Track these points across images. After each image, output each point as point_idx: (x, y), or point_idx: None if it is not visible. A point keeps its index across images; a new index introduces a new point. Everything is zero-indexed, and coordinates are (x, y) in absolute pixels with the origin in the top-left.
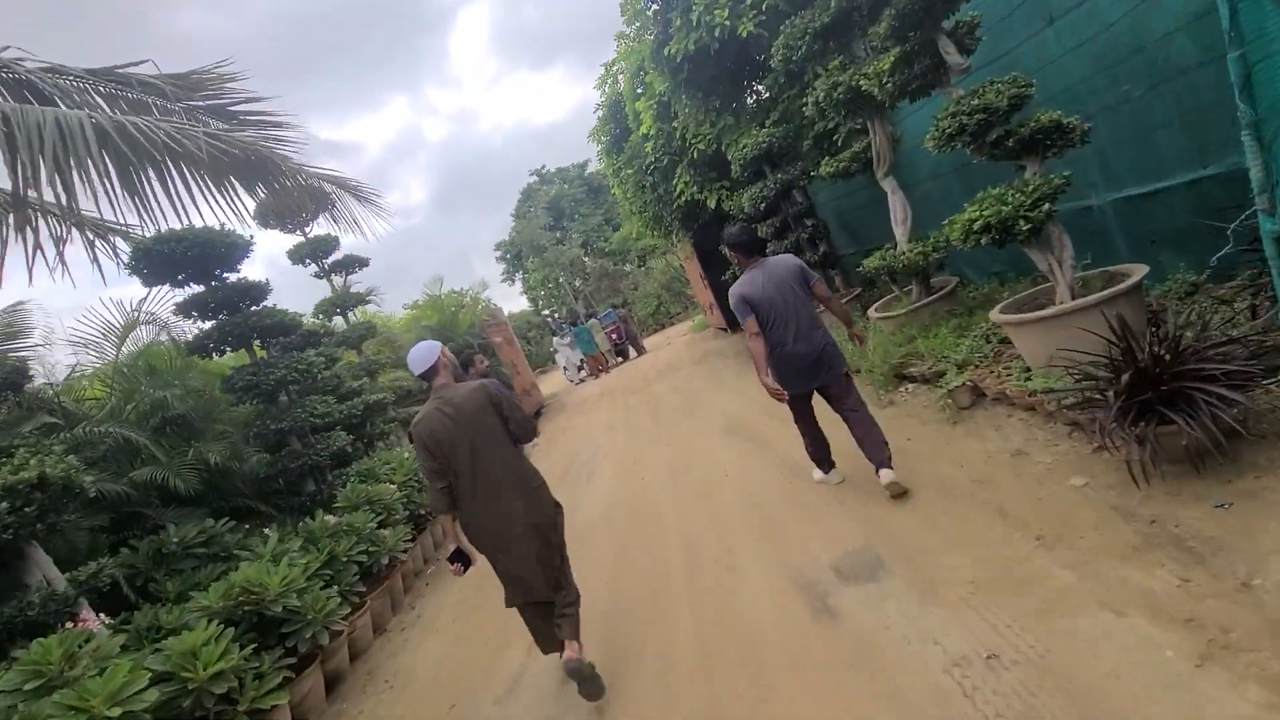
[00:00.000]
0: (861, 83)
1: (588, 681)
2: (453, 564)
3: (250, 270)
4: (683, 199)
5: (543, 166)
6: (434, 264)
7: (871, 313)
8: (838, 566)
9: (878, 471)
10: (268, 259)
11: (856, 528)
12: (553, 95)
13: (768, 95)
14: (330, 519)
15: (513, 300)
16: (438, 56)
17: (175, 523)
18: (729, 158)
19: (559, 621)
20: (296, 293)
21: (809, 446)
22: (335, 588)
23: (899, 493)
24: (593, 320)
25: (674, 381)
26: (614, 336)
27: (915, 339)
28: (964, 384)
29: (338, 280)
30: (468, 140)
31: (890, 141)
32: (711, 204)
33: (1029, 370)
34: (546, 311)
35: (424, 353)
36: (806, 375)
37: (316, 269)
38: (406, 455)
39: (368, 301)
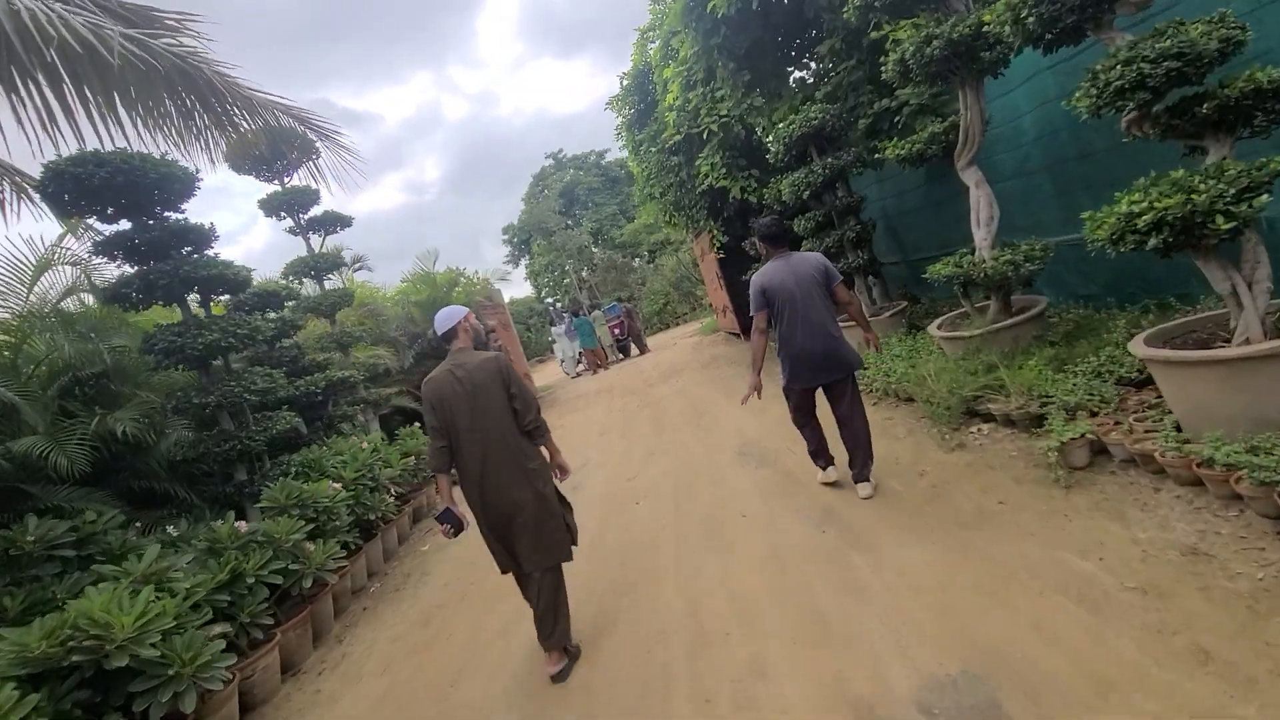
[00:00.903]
0: (984, 20)
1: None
2: (442, 524)
3: (254, 248)
4: (706, 183)
5: (559, 151)
6: (443, 242)
7: (934, 330)
8: (930, 709)
9: (855, 482)
10: (269, 245)
11: (951, 641)
12: (576, 86)
13: (814, 71)
14: (242, 526)
15: (516, 286)
16: (464, 35)
17: (63, 506)
18: (766, 141)
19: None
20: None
21: (810, 443)
22: (229, 623)
23: (869, 494)
24: (596, 313)
25: (679, 385)
26: (617, 332)
27: (995, 368)
28: (1082, 436)
29: (316, 240)
30: (487, 122)
31: (983, 120)
32: (735, 193)
33: (1180, 428)
34: (550, 299)
35: (448, 315)
36: (817, 371)
37: (292, 224)
38: (366, 446)
39: (357, 268)
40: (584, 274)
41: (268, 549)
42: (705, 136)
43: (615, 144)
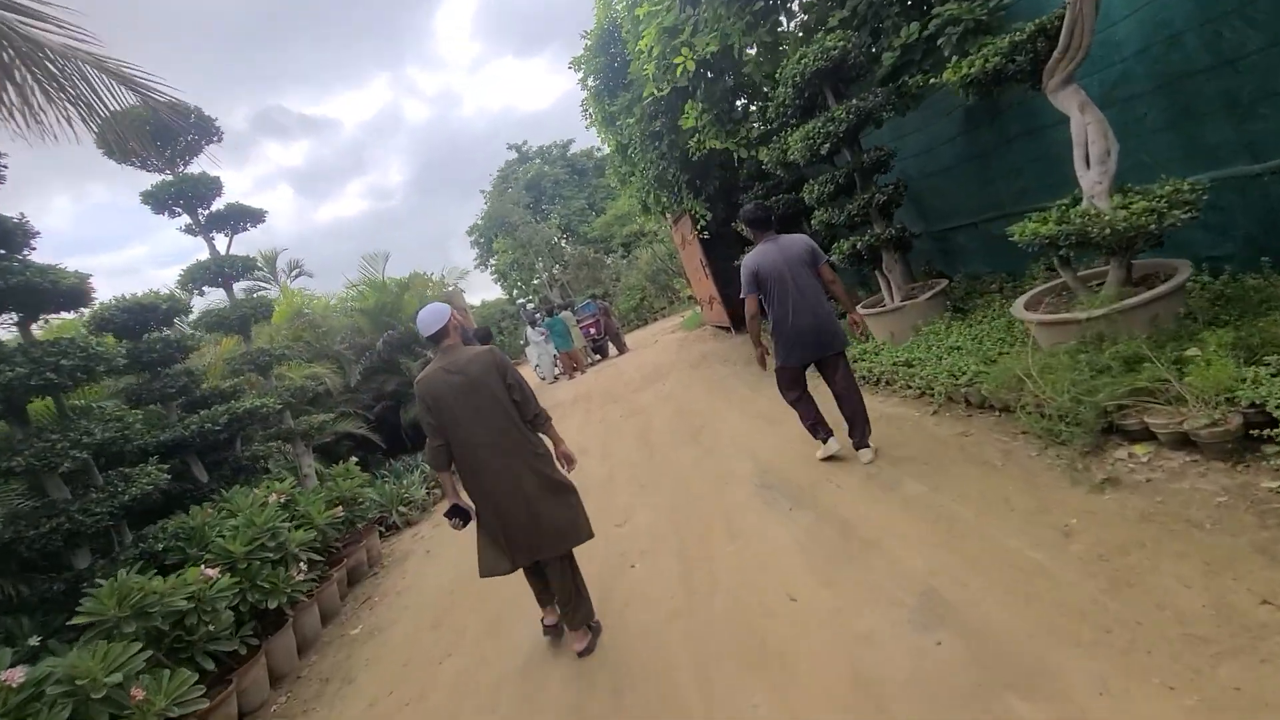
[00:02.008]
0: None
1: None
2: (451, 519)
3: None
4: (694, 146)
5: (524, 143)
6: (410, 247)
7: (1023, 312)
8: None
9: (857, 449)
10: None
11: None
12: (538, 84)
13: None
14: (15, 676)
15: (486, 288)
16: (422, 35)
17: None
18: (764, 90)
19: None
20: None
21: (806, 416)
22: None
23: (870, 459)
24: (567, 312)
25: (666, 389)
26: (592, 332)
27: (1144, 362)
28: None
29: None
30: (449, 124)
31: (1096, 7)
32: (733, 154)
33: None
34: (522, 300)
35: (433, 315)
36: (809, 347)
37: (190, 221)
38: (274, 500)
39: (296, 274)
40: (555, 271)
41: (63, 709)
42: (690, 89)
43: (582, 123)
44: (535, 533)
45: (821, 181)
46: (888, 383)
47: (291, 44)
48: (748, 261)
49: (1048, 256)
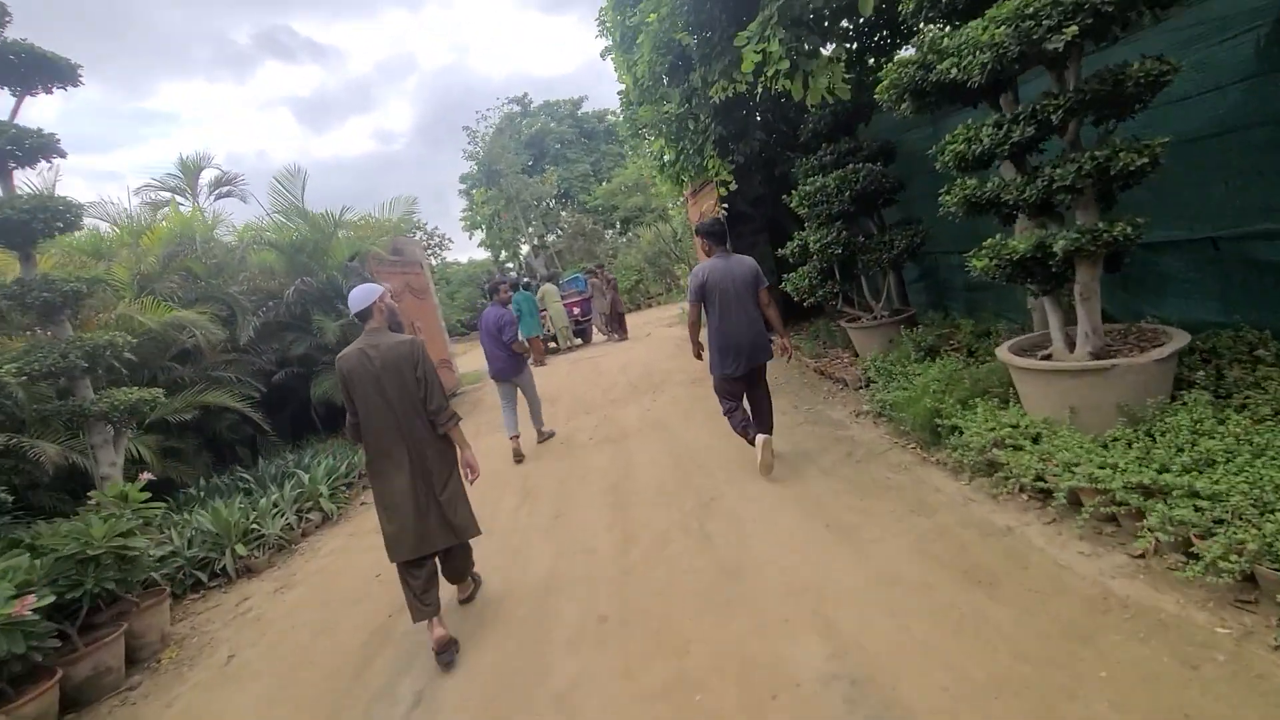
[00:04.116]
0: None
1: (446, 654)
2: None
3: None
4: (761, 79)
5: (525, 95)
6: (409, 195)
7: None
8: None
9: (756, 435)
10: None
11: None
12: (561, 44)
13: None
14: None
15: (471, 248)
16: None
17: None
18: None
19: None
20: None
21: (738, 424)
22: None
23: (769, 458)
24: (548, 286)
25: (657, 411)
26: (575, 311)
27: None
28: None
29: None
30: (464, 74)
31: None
32: (814, 91)
33: None
34: (508, 265)
35: (364, 293)
36: (744, 357)
37: None
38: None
39: (222, 193)
40: (548, 238)
41: None
42: None
43: (599, 59)
44: (426, 526)
45: (997, 124)
46: (1107, 533)
47: None
48: (696, 272)
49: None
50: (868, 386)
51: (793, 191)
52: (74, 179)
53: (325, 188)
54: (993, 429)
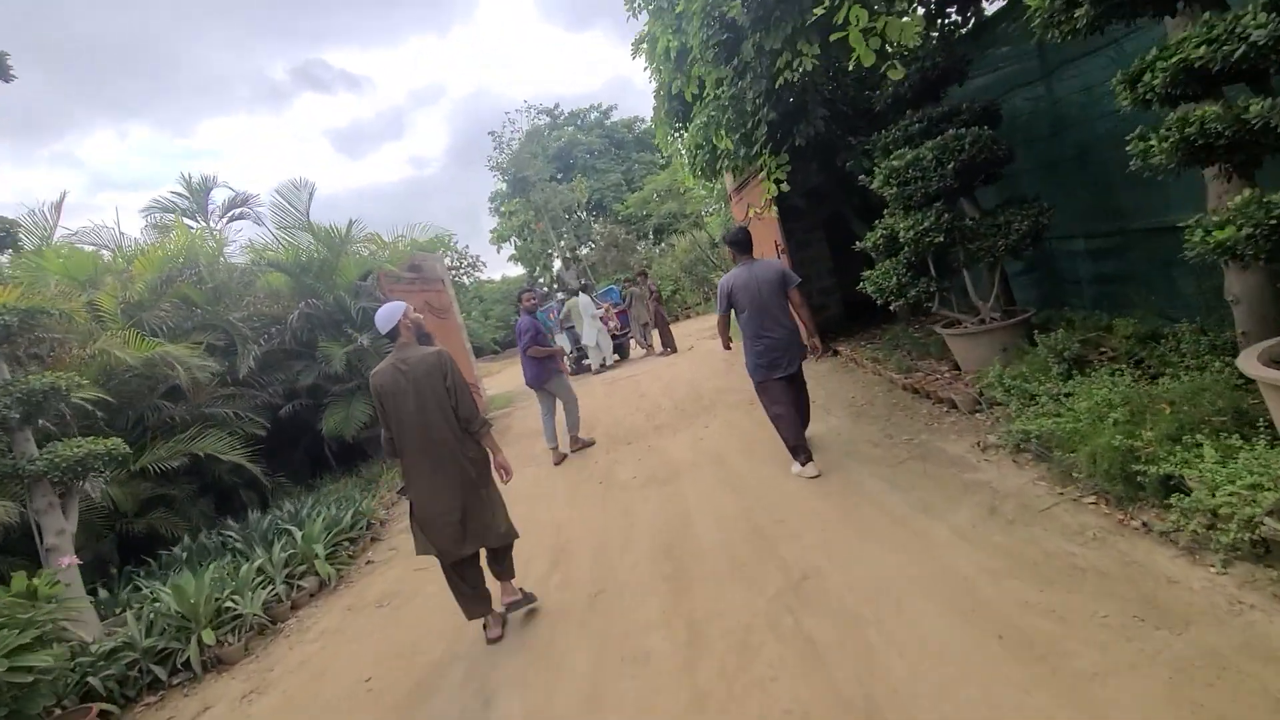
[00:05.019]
0: None
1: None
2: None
3: None
4: (856, 55)
5: (555, 106)
6: (442, 217)
7: None
8: None
9: (808, 464)
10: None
11: None
12: (587, 62)
13: None
14: None
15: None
16: (469, 1)
17: None
18: None
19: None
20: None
21: (789, 434)
22: None
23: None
24: (578, 298)
25: (711, 437)
26: (612, 324)
27: None
28: None
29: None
30: (493, 95)
31: None
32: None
33: None
34: (539, 280)
35: (387, 314)
36: (779, 361)
37: None
38: None
39: (235, 215)
40: (581, 251)
41: None
42: None
43: (629, 42)
44: (466, 531)
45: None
46: None
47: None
48: (723, 283)
49: None
50: (988, 409)
51: (873, 169)
52: (130, 216)
53: (363, 215)
54: (1254, 484)
